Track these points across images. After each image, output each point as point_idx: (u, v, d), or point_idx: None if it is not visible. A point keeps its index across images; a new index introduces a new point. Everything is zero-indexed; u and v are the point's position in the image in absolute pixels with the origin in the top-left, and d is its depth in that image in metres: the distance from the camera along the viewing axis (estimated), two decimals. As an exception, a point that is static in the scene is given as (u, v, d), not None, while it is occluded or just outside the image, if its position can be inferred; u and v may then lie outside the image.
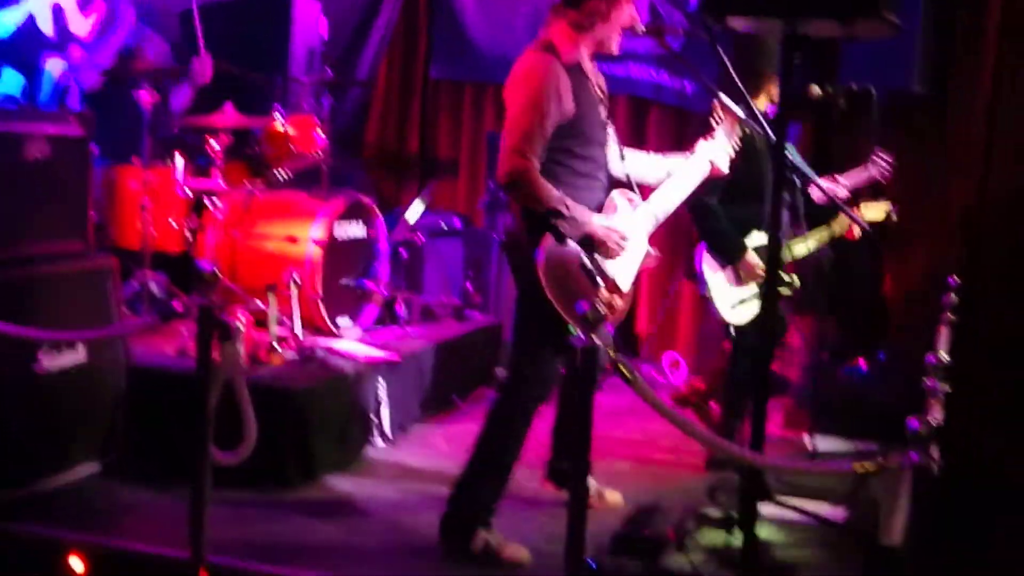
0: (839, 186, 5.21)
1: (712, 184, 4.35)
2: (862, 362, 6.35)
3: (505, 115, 3.71)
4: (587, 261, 3.71)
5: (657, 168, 4.16)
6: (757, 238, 4.82)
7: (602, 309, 2.94)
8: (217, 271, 3.36)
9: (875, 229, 5.06)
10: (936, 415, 3.70)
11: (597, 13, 3.76)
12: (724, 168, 4.12)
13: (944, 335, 4.41)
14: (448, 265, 6.62)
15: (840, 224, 4.94)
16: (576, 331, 2.89)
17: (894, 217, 5.15)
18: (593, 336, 2.95)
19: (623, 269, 3.89)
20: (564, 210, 3.65)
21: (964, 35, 6.23)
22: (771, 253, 3.39)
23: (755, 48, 4.70)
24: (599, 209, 3.85)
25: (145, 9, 5.87)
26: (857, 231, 4.94)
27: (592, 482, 4.29)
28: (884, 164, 5.28)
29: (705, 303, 5.02)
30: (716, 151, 4.09)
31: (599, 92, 3.90)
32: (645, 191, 4.07)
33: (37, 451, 4.05)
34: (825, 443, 5.18)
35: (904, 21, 5.86)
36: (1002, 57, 6.13)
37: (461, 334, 5.98)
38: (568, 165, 3.74)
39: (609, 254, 3.80)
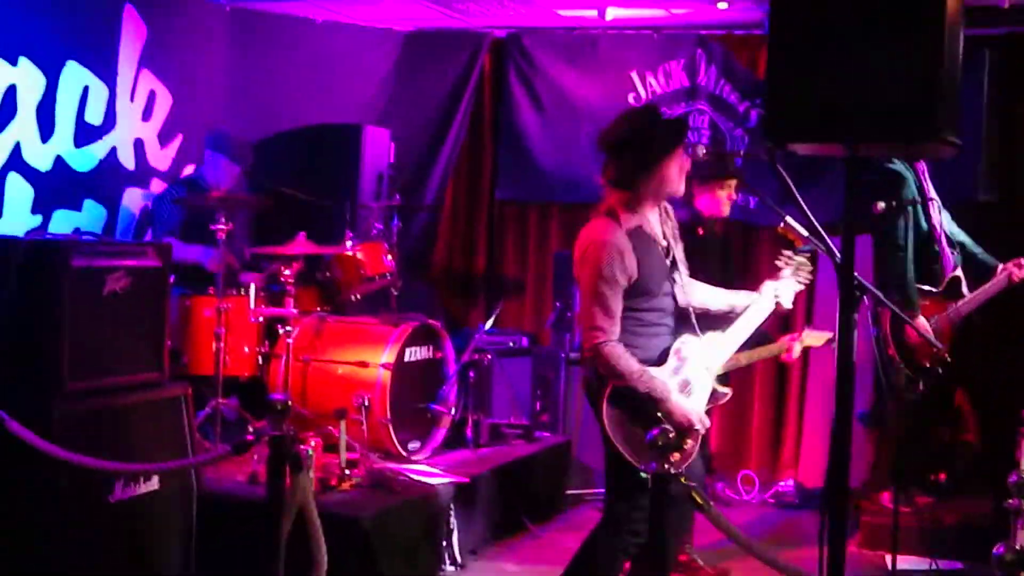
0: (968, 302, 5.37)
1: None
2: (943, 476, 6.19)
3: (578, 286, 3.86)
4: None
5: (719, 300, 4.20)
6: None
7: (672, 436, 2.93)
8: (289, 402, 3.41)
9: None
10: (1022, 538, 3.59)
11: (647, 183, 3.81)
12: (788, 304, 4.20)
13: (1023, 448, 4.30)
14: (516, 384, 6.62)
15: (779, 346, 4.97)
16: (643, 475, 2.90)
17: (834, 345, 5.13)
18: (664, 463, 2.93)
19: (693, 409, 3.87)
20: (641, 387, 3.70)
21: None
22: (840, 375, 3.32)
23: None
24: (664, 355, 3.88)
25: (220, 140, 6.06)
26: (796, 351, 4.97)
27: None
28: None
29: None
30: (782, 288, 4.18)
31: (666, 240, 3.93)
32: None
33: (108, 581, 4.07)
34: (904, 561, 5.02)
35: (966, 132, 5.91)
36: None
37: (530, 454, 5.94)
38: (635, 318, 3.81)
39: (678, 428, 3.71)
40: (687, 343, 3.94)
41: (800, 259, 4.23)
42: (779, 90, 2.97)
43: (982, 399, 6.16)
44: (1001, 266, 5.46)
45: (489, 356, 6.26)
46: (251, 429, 4.85)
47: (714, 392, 3.98)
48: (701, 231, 5.14)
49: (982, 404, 6.14)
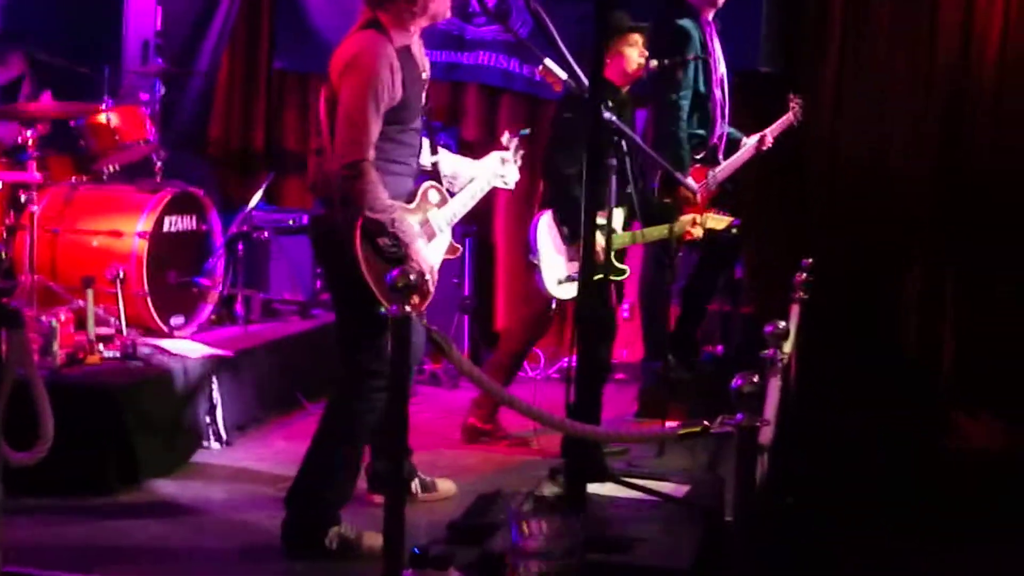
0: (767, 139, 5.55)
1: (572, 155, 4.34)
2: (720, 348, 6.32)
3: (338, 99, 3.54)
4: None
5: (466, 168, 4.10)
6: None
7: (413, 278, 2.81)
8: (4, 253, 3.11)
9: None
10: (772, 383, 3.63)
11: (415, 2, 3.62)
12: (510, 185, 4.20)
13: (795, 314, 4.38)
14: (297, 263, 6.39)
15: (681, 224, 4.85)
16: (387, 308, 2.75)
17: (734, 231, 5.14)
18: (405, 305, 2.80)
19: (431, 258, 3.80)
20: (389, 225, 3.53)
21: (810, 12, 6.32)
22: (585, 227, 3.24)
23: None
24: (411, 197, 3.75)
25: None
26: (697, 232, 4.86)
27: (420, 475, 4.21)
28: (797, 106, 5.73)
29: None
30: (506, 167, 4.14)
31: (424, 77, 3.77)
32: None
33: None
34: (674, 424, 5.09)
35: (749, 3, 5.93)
36: (847, 30, 6.25)
37: (305, 331, 5.74)
38: (383, 150, 3.59)
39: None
40: (432, 189, 3.84)
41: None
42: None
43: (762, 271, 6.33)
44: (759, 134, 5.55)
45: (266, 233, 6.00)
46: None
47: (451, 246, 3.93)
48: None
49: (762, 276, 6.31)
